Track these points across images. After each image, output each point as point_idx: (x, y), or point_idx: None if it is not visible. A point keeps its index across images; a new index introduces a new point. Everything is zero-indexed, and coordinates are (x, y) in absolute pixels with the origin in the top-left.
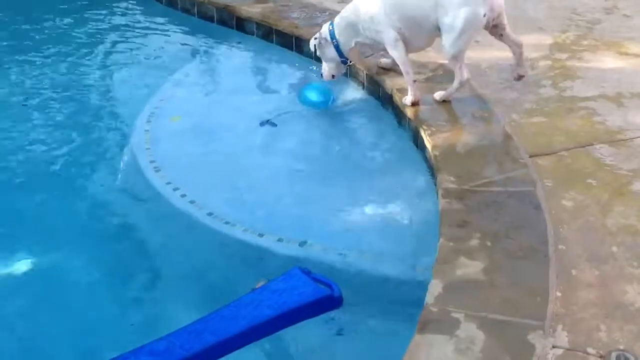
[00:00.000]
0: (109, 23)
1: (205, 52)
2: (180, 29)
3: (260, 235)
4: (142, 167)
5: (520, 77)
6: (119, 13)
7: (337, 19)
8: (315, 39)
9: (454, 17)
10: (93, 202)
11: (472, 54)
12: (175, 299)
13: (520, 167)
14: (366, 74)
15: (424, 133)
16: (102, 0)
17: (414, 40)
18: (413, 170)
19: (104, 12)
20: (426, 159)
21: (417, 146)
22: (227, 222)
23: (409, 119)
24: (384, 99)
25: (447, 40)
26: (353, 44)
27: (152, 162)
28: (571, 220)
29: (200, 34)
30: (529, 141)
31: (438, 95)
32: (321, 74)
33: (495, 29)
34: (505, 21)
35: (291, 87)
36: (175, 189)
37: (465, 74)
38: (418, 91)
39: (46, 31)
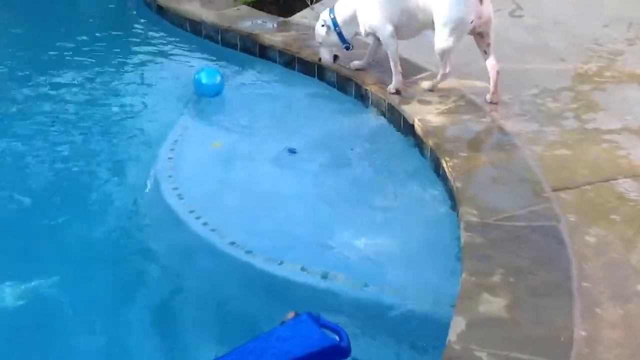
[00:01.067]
0: (132, 49)
1: (229, 79)
2: (205, 56)
3: (280, 263)
4: (165, 194)
5: (492, 103)
6: (142, 39)
7: (337, 8)
8: (323, 26)
9: (445, 18)
10: (114, 227)
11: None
12: (196, 329)
13: (543, 201)
14: (388, 103)
15: (446, 164)
16: (124, 27)
17: (405, 31)
18: (435, 201)
19: (126, 38)
20: (448, 190)
21: (438, 176)
22: (248, 252)
23: (431, 148)
24: (405, 128)
25: (438, 37)
26: (353, 34)
27: (174, 189)
28: (595, 257)
29: (224, 61)
30: (551, 174)
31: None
32: (319, 59)
33: (481, 38)
34: (492, 34)
35: (312, 115)
36: (197, 217)
37: (447, 69)
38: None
39: (69, 56)
